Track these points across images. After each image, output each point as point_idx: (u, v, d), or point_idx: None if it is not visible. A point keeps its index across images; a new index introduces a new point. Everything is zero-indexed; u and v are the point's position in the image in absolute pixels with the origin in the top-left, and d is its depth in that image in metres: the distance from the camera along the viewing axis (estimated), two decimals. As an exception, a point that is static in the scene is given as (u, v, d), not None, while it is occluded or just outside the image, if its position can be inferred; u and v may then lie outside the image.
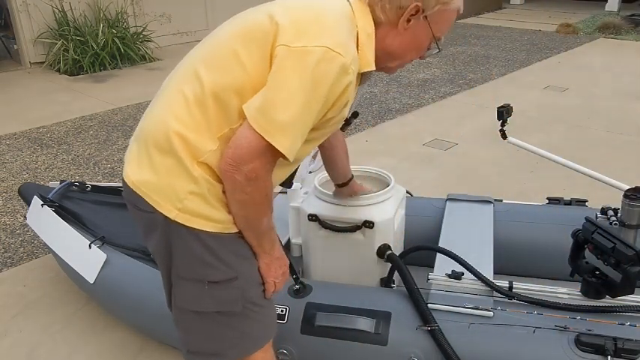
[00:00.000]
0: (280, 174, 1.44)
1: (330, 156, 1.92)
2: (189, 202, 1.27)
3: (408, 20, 1.32)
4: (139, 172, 1.32)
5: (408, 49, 1.38)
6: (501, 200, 2.53)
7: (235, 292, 1.34)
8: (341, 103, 1.26)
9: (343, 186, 2.01)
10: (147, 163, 1.31)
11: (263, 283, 1.42)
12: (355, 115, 1.57)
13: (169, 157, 1.27)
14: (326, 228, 2.05)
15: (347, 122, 1.56)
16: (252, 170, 1.20)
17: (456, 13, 1.37)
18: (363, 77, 1.41)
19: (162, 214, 1.29)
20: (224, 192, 1.28)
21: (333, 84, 1.19)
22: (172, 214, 1.28)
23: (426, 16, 1.31)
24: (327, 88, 1.19)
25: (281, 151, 1.19)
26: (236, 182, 1.22)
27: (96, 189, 2.68)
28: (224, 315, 1.36)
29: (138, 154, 1.34)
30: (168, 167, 1.28)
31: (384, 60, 1.39)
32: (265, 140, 1.18)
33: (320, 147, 1.86)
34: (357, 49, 1.28)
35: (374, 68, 1.33)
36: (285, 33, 1.21)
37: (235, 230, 1.34)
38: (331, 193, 2.07)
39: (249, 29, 1.27)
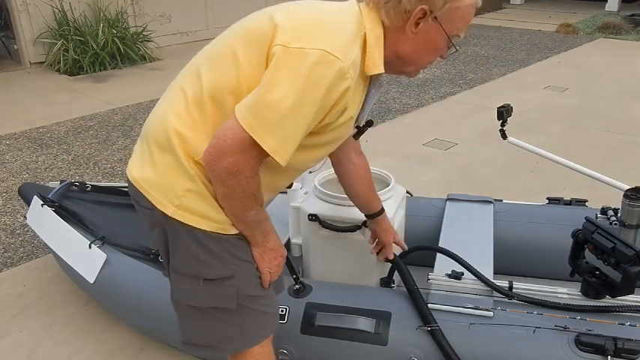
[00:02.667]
0: (284, 179, 1.44)
1: (347, 181, 1.79)
2: (187, 199, 1.28)
3: (417, 24, 1.27)
4: (140, 168, 1.35)
5: (421, 53, 1.33)
6: (501, 200, 2.53)
7: (230, 290, 1.35)
8: (339, 108, 1.24)
9: (370, 218, 1.88)
10: (148, 160, 1.33)
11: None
12: (370, 123, 1.52)
13: (168, 154, 1.29)
14: (326, 228, 2.05)
15: (360, 131, 1.52)
16: (233, 164, 1.18)
17: (472, 8, 1.29)
18: (372, 81, 1.37)
19: (160, 210, 1.30)
20: None
21: (329, 88, 1.17)
22: (170, 210, 1.30)
23: (435, 17, 1.26)
24: (322, 92, 1.17)
25: (266, 150, 1.18)
26: (215, 174, 1.21)
27: (96, 189, 2.68)
28: (219, 310, 1.37)
29: (141, 151, 1.37)
30: (167, 164, 1.29)
31: (399, 65, 1.35)
32: (250, 136, 1.17)
33: (336, 169, 1.79)
34: (365, 52, 1.26)
35: (382, 71, 1.30)
36: (283, 34, 1.20)
37: (235, 232, 1.34)
38: (331, 193, 2.07)
39: (249, 30, 1.27)
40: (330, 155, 1.69)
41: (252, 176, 1.22)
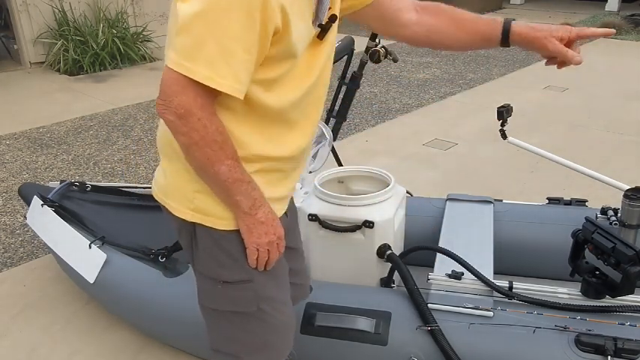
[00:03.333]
0: (281, 128, 1.28)
1: (436, 28, 1.44)
2: (199, 201, 1.27)
3: None
4: (156, 181, 1.36)
5: None
6: (501, 200, 2.53)
7: (249, 295, 1.33)
8: (273, 6, 1.08)
9: (505, 43, 1.42)
10: (161, 171, 1.35)
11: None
12: (334, 18, 1.28)
13: (175, 161, 1.28)
14: (326, 228, 2.05)
15: (324, 28, 1.28)
16: (179, 105, 1.10)
17: None
18: None
19: (177, 216, 1.31)
20: None
21: None
22: (188, 215, 1.29)
23: None
24: None
25: (197, 79, 1.08)
26: (169, 123, 1.14)
27: (96, 189, 2.68)
28: (239, 316, 1.36)
29: (160, 164, 1.38)
30: (175, 171, 1.29)
31: None
32: (182, 74, 1.08)
33: (422, 41, 1.47)
34: None
35: None
36: None
37: None
38: (331, 193, 2.07)
39: None
40: (398, 34, 1.44)
41: (206, 117, 1.12)
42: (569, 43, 1.38)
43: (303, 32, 1.20)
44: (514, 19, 1.41)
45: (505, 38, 1.40)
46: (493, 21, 1.42)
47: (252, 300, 1.34)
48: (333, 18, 1.28)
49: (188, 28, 1.07)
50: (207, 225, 1.29)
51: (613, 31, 1.40)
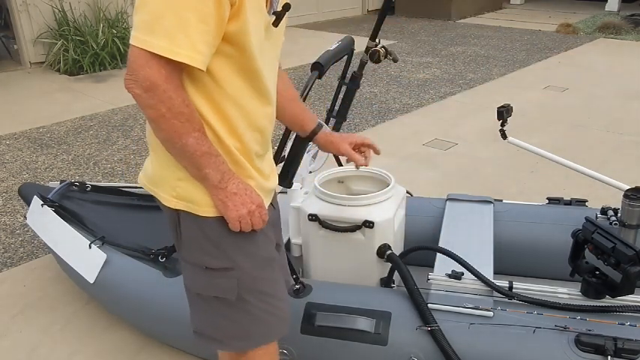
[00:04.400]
0: (251, 101, 1.31)
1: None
2: (181, 189, 1.31)
3: None
4: (145, 168, 1.41)
5: None
6: (501, 200, 2.53)
7: (231, 282, 1.36)
8: None
9: (310, 139, 1.74)
10: (148, 161, 1.40)
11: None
12: (287, 7, 1.35)
13: (157, 150, 1.32)
14: (326, 228, 2.05)
15: (278, 16, 1.34)
16: (144, 78, 1.13)
17: None
18: None
19: (165, 205, 1.35)
20: None
21: None
22: (172, 203, 1.32)
23: None
24: None
25: (156, 52, 1.11)
26: (137, 97, 1.16)
27: (96, 189, 2.68)
28: (222, 303, 1.38)
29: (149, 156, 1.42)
30: (160, 160, 1.33)
31: None
32: (144, 49, 1.12)
33: None
34: None
35: None
36: None
37: None
38: (331, 193, 2.07)
39: None
40: None
41: (172, 89, 1.15)
42: (356, 147, 1.77)
43: (258, 15, 1.24)
44: (323, 125, 1.74)
45: (312, 136, 1.73)
46: (310, 119, 1.71)
47: (234, 288, 1.36)
48: (287, 6, 1.34)
49: (145, 4, 1.12)
50: (190, 212, 1.32)
51: (366, 164, 1.77)
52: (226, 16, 1.16)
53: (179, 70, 1.17)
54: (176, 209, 1.33)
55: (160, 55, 1.12)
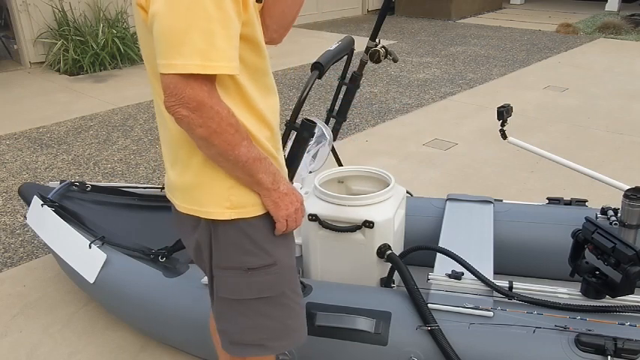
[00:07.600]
0: (265, 94, 1.33)
1: None
2: (235, 196, 1.28)
3: None
4: (177, 194, 1.34)
5: None
6: (501, 200, 2.53)
7: (273, 278, 1.35)
8: None
9: None
10: (178, 183, 1.33)
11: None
12: None
13: (196, 167, 1.28)
14: (326, 228, 2.05)
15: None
16: (190, 99, 1.12)
17: None
18: None
19: (212, 219, 1.29)
20: None
21: None
22: (226, 214, 1.28)
23: None
24: None
25: (196, 72, 1.11)
26: (184, 118, 1.15)
27: (96, 189, 2.69)
28: (264, 302, 1.37)
29: (173, 160, 1.34)
30: (203, 176, 1.28)
31: None
32: (179, 74, 1.11)
33: None
34: None
35: None
36: None
37: None
38: (331, 193, 2.07)
39: None
40: None
41: (217, 103, 1.15)
42: None
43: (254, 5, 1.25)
44: None
45: None
46: None
47: (277, 284, 1.36)
48: None
49: (167, 31, 1.10)
50: (241, 217, 1.29)
51: None
52: (241, 14, 1.17)
53: (214, 82, 1.17)
54: (223, 219, 1.28)
55: (197, 74, 1.11)
